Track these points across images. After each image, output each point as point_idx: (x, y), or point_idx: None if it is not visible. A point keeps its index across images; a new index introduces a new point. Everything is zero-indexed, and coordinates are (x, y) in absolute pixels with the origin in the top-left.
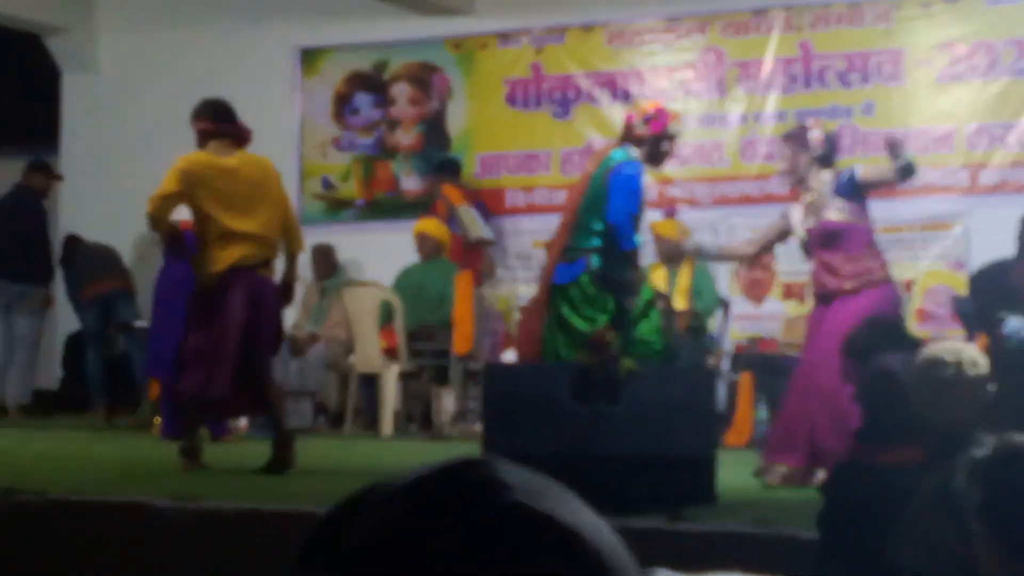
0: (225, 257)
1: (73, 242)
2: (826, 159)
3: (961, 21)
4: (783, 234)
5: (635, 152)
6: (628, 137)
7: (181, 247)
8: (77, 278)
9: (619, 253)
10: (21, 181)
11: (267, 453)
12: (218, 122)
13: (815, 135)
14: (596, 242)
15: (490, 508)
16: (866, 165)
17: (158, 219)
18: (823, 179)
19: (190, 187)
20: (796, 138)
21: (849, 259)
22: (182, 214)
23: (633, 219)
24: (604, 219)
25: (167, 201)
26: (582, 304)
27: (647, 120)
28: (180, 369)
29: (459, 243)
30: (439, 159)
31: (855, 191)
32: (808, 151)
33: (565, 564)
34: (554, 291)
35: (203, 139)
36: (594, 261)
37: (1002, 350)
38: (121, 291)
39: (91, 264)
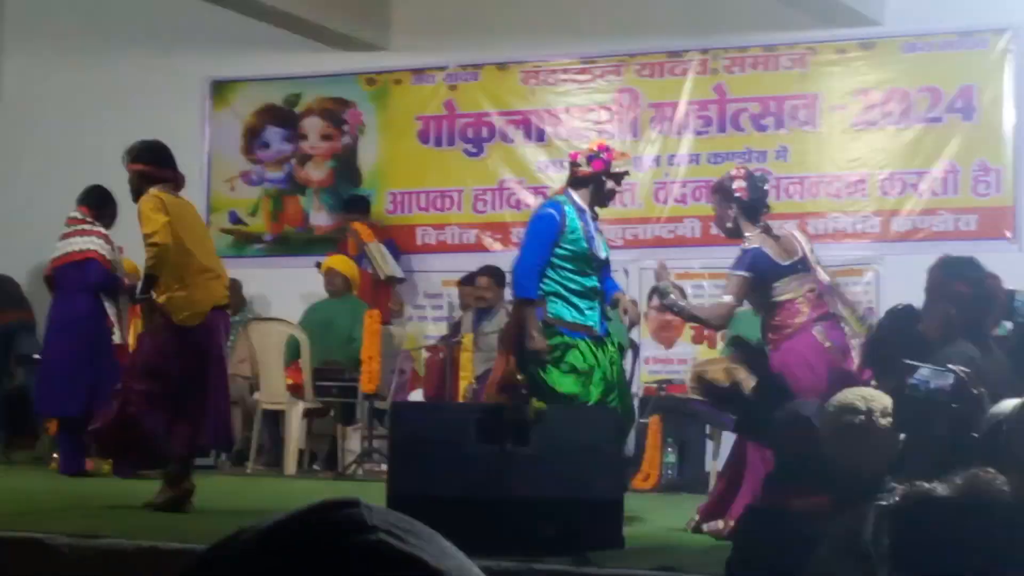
0: (209, 296)
1: None
2: (752, 209)
3: (876, 68)
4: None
5: (576, 195)
6: (573, 177)
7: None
8: None
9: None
10: None
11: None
12: (160, 166)
13: (738, 185)
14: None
15: (352, 547)
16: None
17: (168, 249)
18: (752, 231)
19: (172, 220)
20: (720, 190)
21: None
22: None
23: (536, 264)
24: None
25: (168, 229)
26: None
27: (590, 159)
28: (150, 406)
29: (368, 280)
30: (349, 195)
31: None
32: (733, 202)
33: None
34: None
35: (141, 182)
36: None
37: (908, 399)
38: (21, 323)
39: None
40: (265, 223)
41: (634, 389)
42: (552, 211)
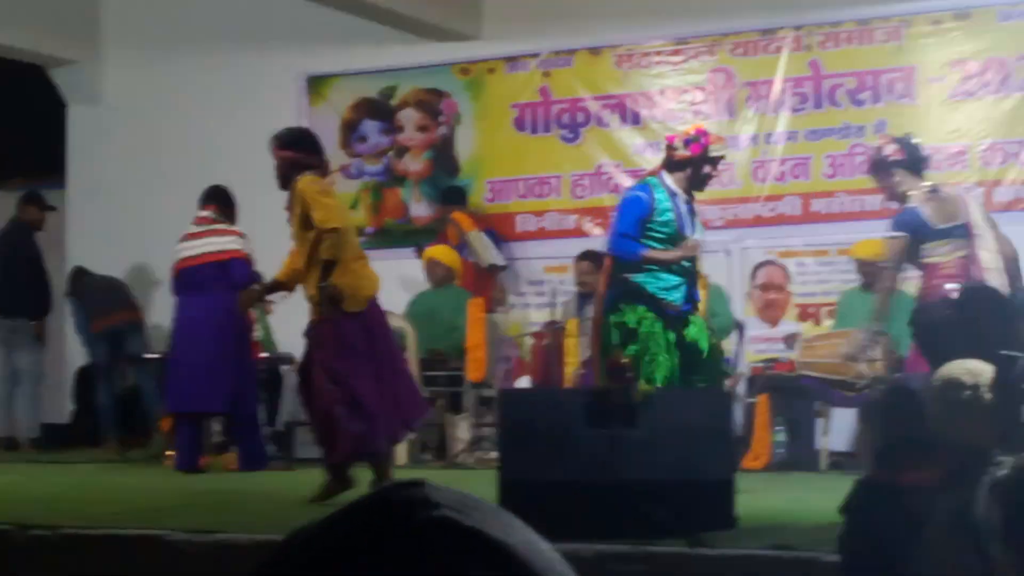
0: (371, 281)
1: (81, 274)
2: (913, 167)
3: (972, 38)
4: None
5: (669, 177)
6: (669, 160)
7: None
8: (85, 311)
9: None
10: (16, 215)
11: (279, 482)
12: (310, 153)
13: (890, 149)
14: None
15: (416, 524)
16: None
17: (345, 232)
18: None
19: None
20: (877, 163)
21: None
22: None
23: (628, 237)
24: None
25: (340, 213)
26: None
27: (687, 143)
28: (348, 401)
29: (470, 269)
30: (448, 186)
31: None
32: (893, 167)
33: None
34: None
35: (290, 169)
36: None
37: (1012, 372)
38: (130, 323)
39: (100, 297)
40: (366, 216)
41: (741, 368)
42: (641, 193)
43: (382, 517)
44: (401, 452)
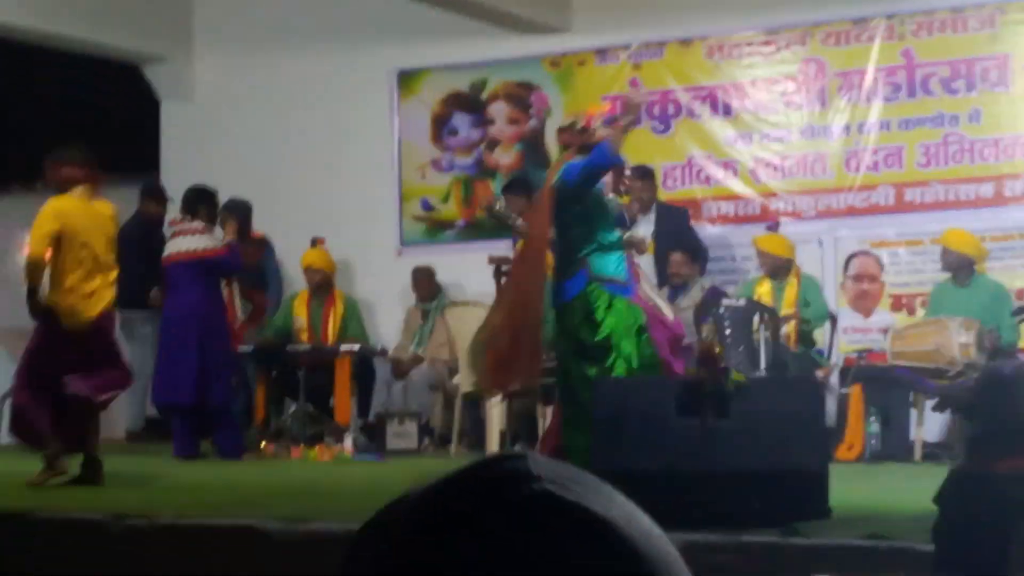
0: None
1: None
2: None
3: None
4: None
5: None
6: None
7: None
8: None
9: None
10: (139, 208)
11: (371, 473)
12: (89, 169)
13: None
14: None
15: (517, 497)
16: None
17: (39, 262)
18: None
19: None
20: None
21: None
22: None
23: None
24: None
25: (45, 241)
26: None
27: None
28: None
29: None
30: (538, 178)
31: None
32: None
33: (592, 551)
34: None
35: (68, 184)
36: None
37: None
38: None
39: None
40: (457, 209)
41: (834, 359)
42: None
43: (483, 490)
44: (492, 441)
